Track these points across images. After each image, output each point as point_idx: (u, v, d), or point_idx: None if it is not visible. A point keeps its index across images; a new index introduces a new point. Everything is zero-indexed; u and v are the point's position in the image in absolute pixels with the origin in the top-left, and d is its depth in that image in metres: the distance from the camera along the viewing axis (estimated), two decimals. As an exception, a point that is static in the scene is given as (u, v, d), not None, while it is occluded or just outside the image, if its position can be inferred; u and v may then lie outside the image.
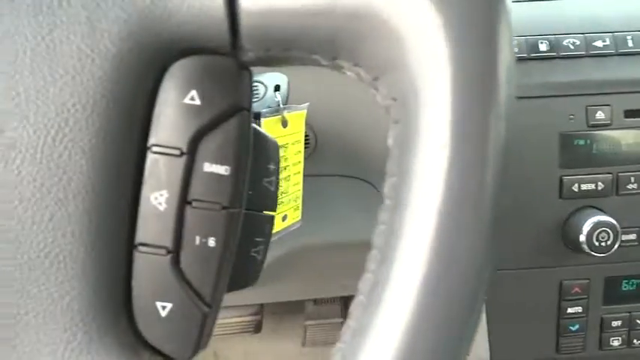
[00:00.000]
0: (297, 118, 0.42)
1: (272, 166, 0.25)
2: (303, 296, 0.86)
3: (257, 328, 0.97)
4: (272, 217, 0.26)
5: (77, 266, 0.19)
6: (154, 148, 0.20)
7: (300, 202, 0.47)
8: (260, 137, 0.25)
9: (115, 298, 0.20)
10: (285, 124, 0.41)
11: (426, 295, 0.18)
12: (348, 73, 0.21)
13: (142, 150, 0.20)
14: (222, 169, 0.20)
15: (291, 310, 1.00)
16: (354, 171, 0.55)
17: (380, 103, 0.20)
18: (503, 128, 0.18)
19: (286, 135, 0.41)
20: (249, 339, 0.95)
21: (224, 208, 0.20)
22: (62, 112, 0.18)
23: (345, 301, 0.99)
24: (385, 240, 0.19)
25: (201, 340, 0.21)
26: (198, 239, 0.20)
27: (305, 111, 0.42)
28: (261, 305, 0.96)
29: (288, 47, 0.20)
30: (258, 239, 0.25)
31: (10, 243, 0.18)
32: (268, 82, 0.41)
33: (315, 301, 0.96)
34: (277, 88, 0.41)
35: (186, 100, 0.20)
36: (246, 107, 0.21)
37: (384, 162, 0.54)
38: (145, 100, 0.20)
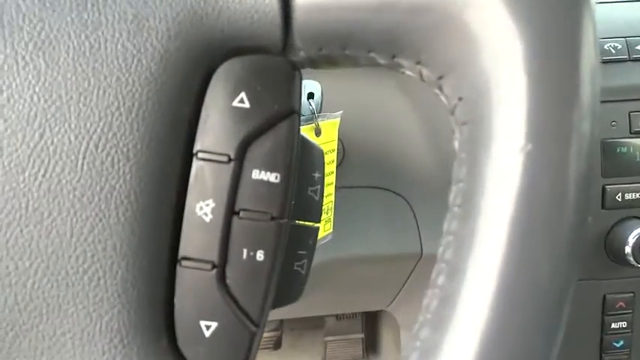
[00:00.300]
0: (331, 126, 0.41)
1: (317, 175, 0.24)
2: (325, 311, 0.84)
3: (277, 344, 0.95)
4: (316, 229, 0.24)
5: (117, 282, 0.17)
6: (200, 155, 0.18)
7: (332, 214, 0.46)
8: (305, 144, 0.23)
9: (156, 316, 0.18)
10: (318, 132, 0.40)
11: (503, 314, 0.16)
12: (408, 72, 0.19)
13: (188, 157, 0.19)
14: (272, 177, 0.19)
15: (310, 325, 0.98)
16: (383, 182, 0.54)
17: (444, 103, 0.19)
18: (587, 130, 0.16)
19: (320, 144, 0.39)
20: (267, 356, 0.93)
21: (273, 218, 0.19)
22: (105, 116, 0.17)
23: (367, 317, 0.97)
24: (455, 252, 0.17)
25: (248, 362, 0.19)
26: (245, 252, 0.19)
27: (339, 119, 0.41)
28: (281, 321, 0.94)
29: (342, 45, 0.19)
30: (301, 252, 0.24)
31: (47, 257, 0.17)
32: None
33: (338, 317, 0.94)
34: (311, 95, 0.40)
35: (235, 103, 0.19)
36: (296, 110, 0.19)
37: (414, 174, 0.52)
38: (192, 103, 0.18)
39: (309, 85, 0.41)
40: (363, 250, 0.54)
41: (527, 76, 0.16)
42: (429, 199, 0.54)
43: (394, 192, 0.54)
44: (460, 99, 0.18)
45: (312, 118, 0.40)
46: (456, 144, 0.18)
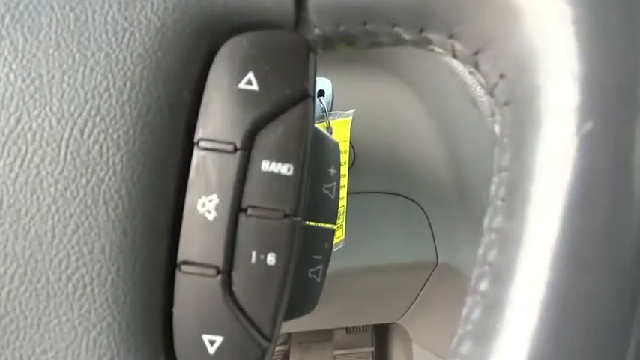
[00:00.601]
0: (343, 125, 0.38)
1: (332, 171, 0.21)
2: (335, 324, 0.81)
3: (284, 358, 0.92)
4: (332, 231, 0.22)
5: (107, 291, 0.15)
6: (202, 144, 0.16)
7: (344, 220, 0.43)
8: (318, 136, 0.21)
9: (152, 330, 0.16)
10: (329, 131, 0.37)
11: (560, 325, 0.13)
12: (438, 49, 0.17)
13: (188, 146, 0.16)
14: (284, 169, 0.16)
15: (319, 338, 0.96)
16: (396, 188, 0.51)
17: (480, 81, 0.16)
18: None
19: (331, 144, 0.37)
20: (275, 370, 0.90)
21: (286, 216, 0.16)
22: (93, 97, 0.15)
23: (377, 330, 0.94)
24: (500, 252, 0.14)
25: (258, 383, 0.17)
26: (254, 255, 0.16)
27: (351, 118, 0.39)
28: (289, 334, 0.91)
29: (363, 19, 0.16)
30: (316, 257, 0.21)
31: (24, 262, 0.15)
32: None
33: (347, 330, 0.91)
34: (321, 93, 0.38)
35: (242, 85, 0.16)
36: (310, 94, 0.17)
37: (429, 180, 0.50)
38: (192, 85, 0.16)
39: (320, 82, 0.39)
40: (375, 259, 0.52)
41: (582, 42, 0.14)
42: (444, 206, 0.52)
43: (407, 198, 0.52)
44: (501, 76, 0.15)
45: (323, 116, 0.38)
46: (497, 128, 0.16)
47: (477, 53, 0.16)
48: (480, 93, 0.45)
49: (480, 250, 0.15)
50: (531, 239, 0.14)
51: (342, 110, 0.40)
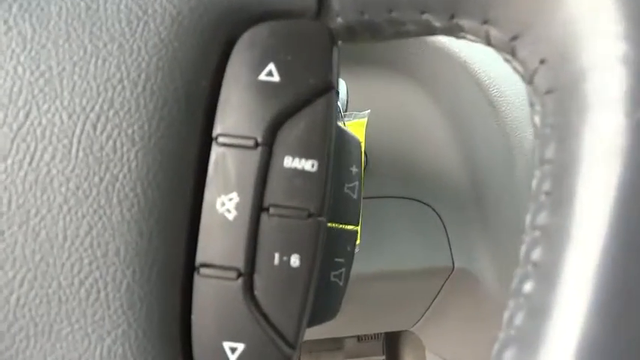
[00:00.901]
0: (358, 126, 0.37)
1: (355, 169, 0.20)
2: (346, 333, 0.79)
3: (295, 367, 0.90)
4: (355, 233, 0.21)
5: (122, 296, 0.14)
6: (221, 139, 0.15)
7: (359, 224, 0.42)
8: (339, 132, 0.20)
9: (170, 338, 0.15)
10: (344, 133, 0.36)
11: (613, 329, 0.12)
12: (470, 36, 0.16)
13: (206, 141, 0.15)
14: (308, 165, 0.15)
15: (329, 347, 0.94)
16: (410, 192, 0.50)
17: (518, 69, 0.15)
18: None
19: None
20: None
21: (310, 215, 0.15)
22: (105, 90, 0.14)
23: (389, 337, 0.92)
24: (546, 251, 0.13)
25: (282, 394, 0.15)
26: (277, 257, 0.15)
27: (366, 119, 0.38)
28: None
29: (389, 7, 0.16)
30: (339, 260, 0.20)
31: (34, 266, 0.14)
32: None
33: (358, 338, 0.90)
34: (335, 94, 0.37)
35: (262, 77, 0.15)
36: (334, 86, 0.16)
37: (443, 183, 0.48)
38: (210, 76, 0.15)
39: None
40: (389, 265, 0.50)
41: (631, 23, 0.13)
42: (460, 210, 0.51)
43: (422, 202, 0.51)
44: (542, 62, 0.14)
45: (337, 117, 0.37)
46: (537, 119, 0.15)
47: (514, 39, 0.15)
48: (496, 93, 0.44)
49: (522, 249, 0.14)
50: (580, 235, 0.13)
51: (357, 111, 0.39)
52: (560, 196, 0.13)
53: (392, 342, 0.93)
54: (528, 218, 0.14)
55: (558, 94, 0.14)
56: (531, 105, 0.15)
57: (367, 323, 0.71)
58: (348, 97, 0.36)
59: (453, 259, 0.51)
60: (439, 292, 0.56)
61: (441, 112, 0.49)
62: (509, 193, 0.45)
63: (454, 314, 0.60)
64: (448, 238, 0.51)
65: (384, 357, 0.92)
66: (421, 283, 0.54)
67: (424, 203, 0.51)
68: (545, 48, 0.14)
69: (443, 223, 0.51)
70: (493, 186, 0.47)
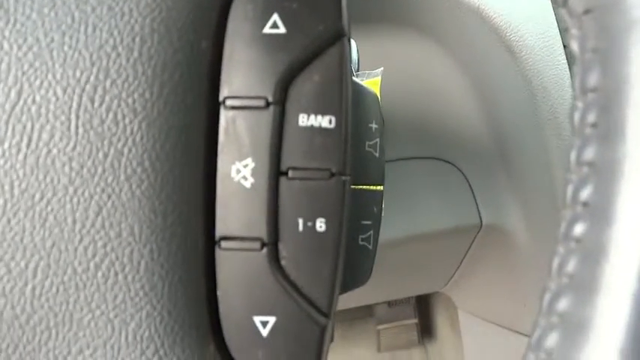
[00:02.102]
0: (372, 86, 0.36)
1: (374, 126, 0.19)
2: (376, 299, 0.79)
3: (331, 337, 0.91)
4: (381, 193, 0.20)
5: (142, 277, 0.13)
6: (229, 102, 0.14)
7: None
8: (355, 87, 0.19)
9: (197, 316, 0.14)
10: (358, 94, 0.35)
11: None
12: None
13: (214, 106, 0.14)
14: (325, 121, 0.14)
15: (360, 314, 0.95)
16: (430, 151, 0.49)
17: None
18: None
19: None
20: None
21: (332, 175, 0.14)
22: (99, 58, 0.13)
23: (419, 300, 0.92)
24: (597, 189, 0.12)
25: (320, 365, 0.15)
26: (301, 223, 0.14)
27: (380, 77, 0.36)
28: (332, 312, 0.90)
29: None
30: (366, 222, 0.19)
31: (46, 253, 0.13)
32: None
33: (389, 304, 0.90)
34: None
35: (267, 30, 0.14)
36: (346, 32, 0.15)
37: (465, 139, 0.46)
38: (211, 34, 0.14)
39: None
40: (416, 227, 0.49)
41: None
42: (484, 165, 0.49)
43: (444, 160, 0.49)
44: None
45: (352, 69, 0.35)
46: (574, 44, 0.13)
47: None
48: (514, 38, 0.41)
49: (569, 190, 0.13)
50: (635, 168, 0.11)
51: (369, 71, 0.38)
52: (609, 127, 0.12)
53: (423, 305, 0.93)
54: (573, 155, 0.13)
55: (598, 13, 0.12)
56: (566, 30, 0.14)
57: (397, 288, 0.70)
58: (359, 56, 0.35)
59: (480, 215, 0.50)
60: (468, 250, 0.55)
61: (457, 64, 0.47)
62: (535, 141, 0.44)
63: (484, 271, 0.59)
64: (474, 195, 0.50)
65: (416, 320, 0.92)
66: (450, 243, 0.53)
67: (446, 161, 0.49)
68: None
69: (467, 180, 0.49)
70: (517, 137, 0.46)
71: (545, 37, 0.42)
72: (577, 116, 0.13)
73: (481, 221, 0.50)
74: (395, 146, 0.47)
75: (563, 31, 0.14)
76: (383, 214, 0.45)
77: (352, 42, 0.38)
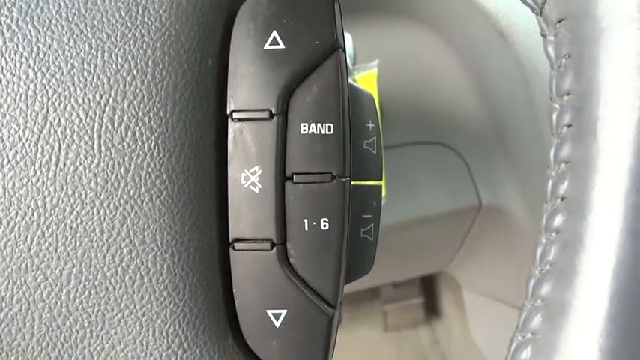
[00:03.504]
0: (368, 79, 0.37)
1: (371, 125, 0.20)
2: (381, 281, 0.81)
3: (338, 324, 0.93)
4: (379, 188, 0.21)
5: (165, 278, 0.15)
6: (236, 115, 0.15)
7: (383, 176, 0.42)
8: (352, 90, 0.20)
9: (216, 311, 0.15)
10: (356, 87, 0.36)
11: None
12: None
13: (222, 119, 0.15)
14: (325, 128, 0.15)
15: (367, 296, 0.97)
16: (427, 136, 0.50)
17: (527, 1, 0.15)
18: None
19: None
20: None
21: (334, 178, 0.16)
22: (117, 82, 0.14)
23: (424, 280, 0.94)
24: (573, 184, 0.13)
25: (329, 351, 0.16)
26: (306, 223, 0.15)
27: (376, 70, 0.37)
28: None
29: None
30: (366, 216, 0.20)
31: (77, 261, 0.14)
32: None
33: (395, 285, 0.92)
34: (341, 47, 0.36)
35: (267, 46, 0.15)
36: (341, 45, 0.16)
37: (461, 122, 0.47)
38: (216, 53, 0.15)
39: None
40: (417, 211, 0.51)
41: None
42: (481, 147, 0.50)
43: (441, 144, 0.50)
44: None
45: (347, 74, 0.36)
46: (551, 50, 0.14)
47: None
48: (505, 23, 0.42)
49: (549, 184, 0.14)
50: (608, 163, 0.13)
51: (365, 63, 0.39)
52: (582, 126, 0.13)
53: (428, 284, 0.94)
54: (552, 152, 0.14)
55: (570, 22, 0.13)
56: (543, 36, 0.15)
57: (402, 269, 0.72)
58: (355, 49, 0.36)
59: (479, 196, 0.51)
60: (469, 231, 0.56)
61: (451, 49, 0.48)
62: (530, 124, 0.45)
63: (486, 250, 0.61)
64: (472, 177, 0.51)
65: (421, 299, 0.93)
66: (451, 225, 0.55)
67: (444, 145, 0.50)
68: None
69: (466, 163, 0.51)
70: (513, 118, 0.47)
71: (536, 22, 0.43)
72: (554, 117, 0.14)
73: (480, 202, 0.51)
74: (392, 133, 0.48)
75: (542, 37, 0.15)
76: (385, 200, 0.46)
77: (348, 36, 0.39)
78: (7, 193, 0.14)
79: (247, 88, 0.15)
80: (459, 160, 0.51)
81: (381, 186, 0.21)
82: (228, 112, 0.15)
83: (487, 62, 0.46)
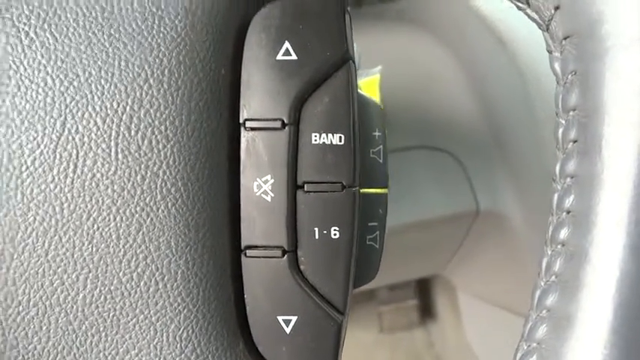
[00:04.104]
0: (371, 84, 0.37)
1: (378, 133, 0.21)
2: (379, 283, 0.81)
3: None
4: (385, 196, 0.21)
5: (179, 285, 0.15)
6: (249, 124, 0.15)
7: (383, 180, 0.42)
8: (360, 99, 0.20)
9: (228, 317, 0.16)
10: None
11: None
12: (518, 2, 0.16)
13: (234, 127, 0.16)
14: (336, 138, 0.16)
15: (362, 298, 0.97)
16: (426, 141, 0.50)
17: (532, 16, 0.15)
18: None
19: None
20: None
21: (344, 187, 0.16)
22: (133, 90, 0.14)
23: (419, 282, 0.94)
24: (579, 198, 0.14)
25: (337, 357, 0.16)
26: (317, 231, 0.16)
27: (378, 76, 0.38)
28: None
29: None
30: (372, 224, 0.21)
31: (94, 266, 0.15)
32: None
33: (390, 287, 0.92)
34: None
35: (280, 57, 0.15)
36: (351, 56, 0.16)
37: (459, 128, 0.48)
38: (229, 63, 0.15)
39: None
40: (415, 215, 0.51)
41: None
42: (479, 153, 0.51)
43: (439, 149, 0.51)
44: (557, 8, 0.14)
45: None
46: (557, 66, 0.15)
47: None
48: (504, 29, 0.43)
49: (554, 198, 0.15)
50: (612, 179, 0.13)
51: (368, 69, 0.39)
52: (588, 142, 0.13)
53: (423, 287, 0.95)
54: (557, 167, 0.15)
55: (576, 39, 0.14)
56: (549, 52, 0.15)
57: (399, 272, 0.72)
58: (359, 56, 0.36)
59: (477, 201, 0.51)
60: (467, 234, 0.57)
61: (450, 55, 0.48)
62: (528, 130, 0.45)
63: (483, 254, 0.61)
64: (471, 182, 0.51)
65: (416, 302, 0.94)
66: (448, 229, 0.55)
67: (443, 150, 0.51)
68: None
69: (464, 168, 0.51)
70: (511, 124, 0.47)
71: (535, 28, 0.43)
72: (560, 132, 0.14)
73: (478, 207, 0.51)
74: (393, 137, 0.48)
75: (548, 52, 0.16)
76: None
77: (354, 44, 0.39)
78: (25, 199, 0.14)
79: (260, 98, 0.15)
80: (457, 165, 0.51)
81: (387, 194, 0.21)
82: (241, 121, 0.16)
83: (486, 68, 0.47)
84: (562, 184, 0.14)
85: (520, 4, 0.15)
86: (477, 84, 0.48)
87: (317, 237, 0.16)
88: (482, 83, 0.48)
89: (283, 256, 0.16)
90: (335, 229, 0.16)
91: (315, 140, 0.16)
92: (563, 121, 0.14)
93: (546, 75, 0.45)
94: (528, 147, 0.46)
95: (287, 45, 0.15)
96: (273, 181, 0.15)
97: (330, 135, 0.16)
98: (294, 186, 0.16)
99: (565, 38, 0.14)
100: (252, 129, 0.15)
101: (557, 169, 0.14)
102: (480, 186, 0.51)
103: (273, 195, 0.15)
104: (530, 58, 0.43)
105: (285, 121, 0.15)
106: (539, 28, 0.15)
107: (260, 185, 0.16)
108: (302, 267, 0.16)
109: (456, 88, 0.49)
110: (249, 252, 0.16)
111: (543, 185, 0.51)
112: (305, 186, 0.16)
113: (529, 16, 0.15)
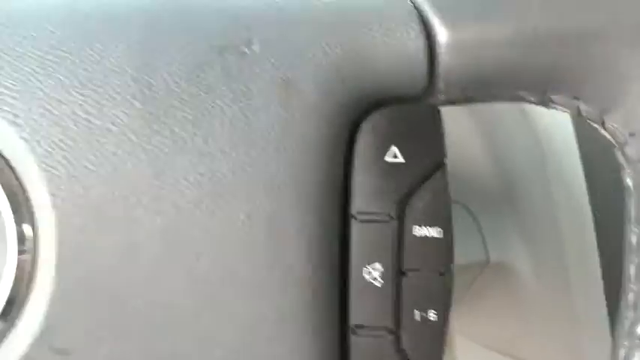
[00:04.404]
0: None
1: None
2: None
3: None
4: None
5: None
6: (360, 217, 0.17)
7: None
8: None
9: None
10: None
11: None
12: (561, 108, 0.18)
13: (344, 218, 0.18)
14: (435, 232, 0.18)
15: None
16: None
17: (607, 137, 0.18)
18: None
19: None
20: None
21: (442, 274, 0.18)
22: (272, 189, 0.16)
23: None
24: None
25: None
26: (418, 314, 0.18)
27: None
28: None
29: (488, 85, 0.18)
30: None
31: (225, 346, 0.16)
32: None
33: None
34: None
35: (388, 158, 0.18)
36: (446, 162, 0.19)
37: (471, 179, 0.50)
38: (342, 162, 0.18)
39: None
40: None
41: None
42: (491, 204, 0.53)
43: (454, 201, 0.53)
44: (632, 135, 0.17)
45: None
46: (629, 181, 0.17)
47: (603, 112, 0.17)
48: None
49: (630, 297, 0.17)
50: None
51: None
52: None
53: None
54: (632, 270, 0.17)
55: None
56: (622, 168, 0.17)
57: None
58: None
59: (487, 253, 0.54)
60: (472, 283, 0.59)
61: (467, 114, 0.51)
62: (541, 187, 0.48)
63: (486, 302, 0.63)
64: (482, 235, 0.54)
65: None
66: (457, 278, 0.57)
67: (457, 202, 0.53)
68: (633, 123, 0.16)
69: (475, 219, 0.53)
70: (524, 182, 0.50)
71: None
72: (633, 241, 0.17)
73: (488, 258, 0.54)
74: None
75: (620, 167, 0.18)
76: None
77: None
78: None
79: (371, 194, 0.17)
80: (468, 217, 0.53)
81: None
82: (353, 213, 0.18)
83: (502, 129, 0.50)
84: (638, 285, 0.16)
85: (597, 126, 0.18)
86: (491, 142, 0.51)
87: (417, 319, 0.18)
88: (496, 141, 0.51)
89: (389, 336, 0.17)
90: (432, 312, 0.18)
91: (417, 232, 0.18)
92: (637, 230, 0.17)
93: (558, 134, 0.48)
94: (539, 203, 0.49)
95: (394, 149, 0.18)
96: (382, 269, 0.17)
97: (430, 228, 0.18)
98: (399, 273, 0.18)
99: (637, 161, 0.17)
100: (364, 220, 0.17)
101: (632, 272, 0.17)
102: (491, 238, 0.54)
103: (382, 281, 0.17)
104: (542, 117, 0.46)
105: (393, 216, 0.17)
106: (613, 148, 0.18)
107: (370, 271, 0.17)
108: (403, 346, 0.18)
109: (472, 146, 0.52)
110: (359, 331, 0.17)
111: (552, 239, 0.54)
112: (407, 273, 0.18)
113: (604, 137, 0.18)
